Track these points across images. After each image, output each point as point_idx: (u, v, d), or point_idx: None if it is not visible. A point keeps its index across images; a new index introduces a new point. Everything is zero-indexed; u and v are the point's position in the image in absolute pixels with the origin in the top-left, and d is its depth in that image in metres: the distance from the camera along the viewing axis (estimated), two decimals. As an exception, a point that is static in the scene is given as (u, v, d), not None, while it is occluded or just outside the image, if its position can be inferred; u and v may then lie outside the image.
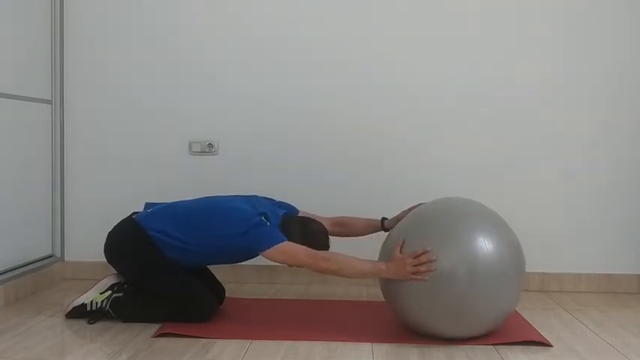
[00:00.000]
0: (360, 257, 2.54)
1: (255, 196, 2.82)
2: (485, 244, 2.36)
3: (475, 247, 2.36)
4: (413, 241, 2.44)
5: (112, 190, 3.44)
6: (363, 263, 2.52)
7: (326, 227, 2.82)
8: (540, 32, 3.34)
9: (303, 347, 2.40)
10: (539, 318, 2.82)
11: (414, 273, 2.36)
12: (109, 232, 2.76)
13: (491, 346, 2.43)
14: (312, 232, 2.68)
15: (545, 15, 3.34)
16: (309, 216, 2.87)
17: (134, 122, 3.44)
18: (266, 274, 3.40)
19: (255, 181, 3.29)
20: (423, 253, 2.36)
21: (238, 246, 2.58)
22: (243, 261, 2.73)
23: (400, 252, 2.43)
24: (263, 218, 2.62)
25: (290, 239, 2.57)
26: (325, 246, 2.69)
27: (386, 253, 2.54)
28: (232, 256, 2.69)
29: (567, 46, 3.34)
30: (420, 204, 2.68)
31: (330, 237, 2.78)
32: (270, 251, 2.53)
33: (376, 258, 2.62)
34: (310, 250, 2.54)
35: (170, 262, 2.64)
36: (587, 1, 3.33)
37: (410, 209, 2.68)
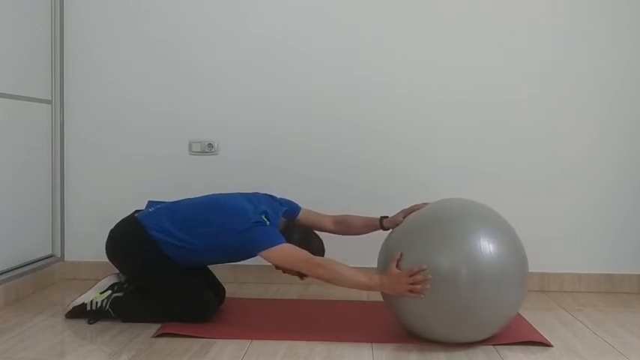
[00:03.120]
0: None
1: (256, 193, 2.82)
2: (487, 247, 2.33)
3: (477, 250, 2.31)
4: (412, 250, 2.40)
5: (112, 190, 3.44)
6: (358, 275, 2.47)
7: (329, 229, 2.87)
8: (540, 33, 3.34)
9: (303, 347, 2.40)
10: (539, 318, 2.82)
11: (409, 290, 2.34)
12: (111, 230, 2.76)
13: (491, 346, 2.43)
14: (310, 246, 2.66)
15: (545, 16, 3.33)
16: (312, 215, 2.89)
17: (134, 122, 3.44)
18: (266, 274, 3.39)
19: (255, 181, 3.29)
20: (419, 271, 2.32)
21: (236, 244, 2.57)
22: (242, 260, 2.73)
23: (397, 266, 2.40)
24: (263, 217, 2.62)
25: (288, 242, 2.57)
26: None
27: (384, 261, 2.51)
28: (231, 255, 2.68)
29: (567, 47, 3.34)
30: (419, 205, 2.67)
31: (333, 234, 2.81)
32: (267, 252, 2.53)
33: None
34: (307, 254, 2.53)
35: (171, 261, 2.64)
36: (587, 2, 3.33)
37: (410, 209, 2.68)
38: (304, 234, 2.73)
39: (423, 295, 2.31)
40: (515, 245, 2.44)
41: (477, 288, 2.30)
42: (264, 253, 2.53)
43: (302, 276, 2.61)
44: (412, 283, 2.32)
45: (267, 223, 2.61)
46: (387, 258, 2.47)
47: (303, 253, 2.53)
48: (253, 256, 2.61)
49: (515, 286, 2.40)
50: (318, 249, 2.70)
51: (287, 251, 2.53)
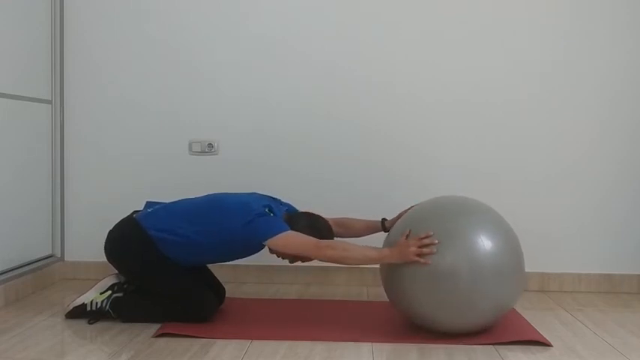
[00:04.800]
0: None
1: (256, 193, 2.83)
2: (484, 241, 2.41)
3: (476, 244, 2.40)
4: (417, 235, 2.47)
5: (112, 190, 3.44)
6: (367, 250, 2.53)
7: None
8: (540, 33, 3.34)
9: (303, 347, 2.40)
10: (539, 318, 2.82)
11: (418, 255, 2.39)
12: (110, 231, 2.76)
13: (491, 346, 2.43)
14: (319, 227, 2.69)
15: (545, 16, 3.34)
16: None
17: (134, 122, 3.44)
18: (266, 274, 3.40)
19: (255, 181, 3.29)
20: (426, 237, 2.40)
21: (242, 237, 2.57)
22: (246, 256, 2.73)
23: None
24: (267, 210, 2.64)
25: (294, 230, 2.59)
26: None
27: (389, 245, 2.58)
28: (236, 250, 2.69)
29: (567, 47, 3.34)
30: (414, 205, 2.70)
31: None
32: (274, 240, 2.54)
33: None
34: (313, 238, 2.56)
35: (170, 261, 2.64)
36: (587, 2, 3.33)
37: (407, 211, 2.69)
38: (310, 218, 2.73)
39: (430, 261, 2.37)
40: (509, 237, 2.50)
41: (475, 280, 2.37)
42: (270, 241, 2.54)
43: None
44: (420, 248, 2.39)
45: (271, 214, 2.63)
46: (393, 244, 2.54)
47: (309, 238, 2.55)
48: (259, 248, 2.63)
49: (511, 276, 2.46)
50: (326, 230, 2.71)
51: (293, 237, 2.55)
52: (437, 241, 2.39)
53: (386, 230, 2.78)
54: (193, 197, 2.81)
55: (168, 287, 2.66)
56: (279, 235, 2.54)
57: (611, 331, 2.68)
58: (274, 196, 2.86)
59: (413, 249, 2.40)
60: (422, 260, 2.38)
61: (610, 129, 3.36)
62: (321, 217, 2.76)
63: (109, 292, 2.71)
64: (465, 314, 2.43)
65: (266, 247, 2.62)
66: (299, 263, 2.74)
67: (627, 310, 3.03)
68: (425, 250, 2.38)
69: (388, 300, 2.68)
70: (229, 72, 3.40)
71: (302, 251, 2.56)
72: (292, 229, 2.59)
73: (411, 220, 2.57)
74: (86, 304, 2.67)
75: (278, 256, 2.70)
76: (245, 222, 2.56)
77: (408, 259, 2.41)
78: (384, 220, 2.81)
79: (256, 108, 3.41)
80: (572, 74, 3.35)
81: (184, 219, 2.65)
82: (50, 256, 3.39)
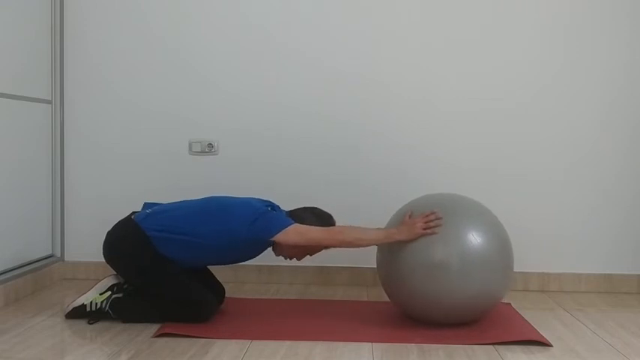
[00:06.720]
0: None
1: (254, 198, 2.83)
2: (474, 236, 2.52)
3: (465, 239, 2.52)
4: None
5: (112, 190, 3.44)
6: (375, 231, 2.64)
7: None
8: (541, 35, 3.34)
9: (303, 347, 2.40)
10: (539, 318, 2.82)
11: (424, 229, 2.51)
12: (108, 232, 2.75)
13: (491, 346, 2.43)
14: (320, 213, 2.75)
15: (546, 17, 3.34)
16: None
17: (134, 122, 3.44)
18: (266, 274, 3.40)
19: (255, 181, 3.29)
20: (431, 214, 2.53)
21: (248, 237, 2.58)
22: (248, 259, 2.74)
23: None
24: (269, 209, 2.67)
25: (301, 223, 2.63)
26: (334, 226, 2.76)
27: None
28: (239, 252, 2.69)
29: (567, 48, 3.34)
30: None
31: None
32: (281, 234, 2.56)
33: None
34: (322, 227, 2.62)
35: (169, 262, 2.64)
36: (587, 3, 3.33)
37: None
38: (309, 208, 2.76)
39: (438, 231, 2.50)
40: (497, 231, 2.61)
41: (465, 273, 2.50)
42: (280, 236, 2.56)
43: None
44: (426, 223, 2.52)
45: (274, 212, 2.67)
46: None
47: (318, 227, 2.62)
48: (263, 249, 2.66)
49: (498, 268, 2.58)
50: (327, 216, 2.77)
51: (302, 228, 2.59)
52: (441, 215, 2.51)
53: None
54: (191, 199, 2.80)
55: (167, 288, 2.66)
56: (288, 229, 2.57)
57: (611, 331, 2.68)
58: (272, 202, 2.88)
59: (420, 224, 2.51)
60: (429, 232, 2.50)
61: (610, 129, 3.36)
62: (318, 207, 2.80)
63: (109, 292, 2.70)
64: (456, 301, 2.52)
65: (265, 251, 2.64)
66: (296, 262, 2.77)
67: (627, 310, 3.03)
68: (431, 224, 2.51)
69: (387, 296, 2.72)
70: (229, 72, 3.40)
71: (314, 241, 2.61)
72: (297, 222, 2.62)
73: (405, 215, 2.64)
74: (86, 305, 2.67)
75: (285, 256, 2.71)
76: (251, 221, 2.57)
77: (415, 235, 2.52)
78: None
79: (256, 108, 3.40)
80: (571, 75, 3.34)
81: (186, 220, 2.65)
82: (50, 256, 3.39)
